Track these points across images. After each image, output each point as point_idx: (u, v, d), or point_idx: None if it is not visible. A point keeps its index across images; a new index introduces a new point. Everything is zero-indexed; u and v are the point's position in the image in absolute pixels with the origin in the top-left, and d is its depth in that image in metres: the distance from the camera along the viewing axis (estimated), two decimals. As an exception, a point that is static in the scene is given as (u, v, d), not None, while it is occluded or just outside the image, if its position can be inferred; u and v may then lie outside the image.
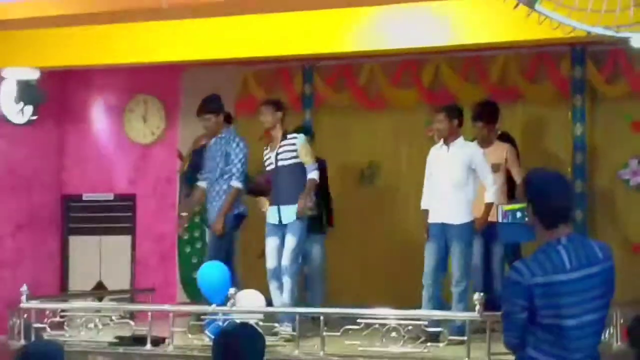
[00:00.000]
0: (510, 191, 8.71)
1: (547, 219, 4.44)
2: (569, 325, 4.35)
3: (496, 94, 10.11)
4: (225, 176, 8.78)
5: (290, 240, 8.29)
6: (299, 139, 8.49)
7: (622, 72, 9.73)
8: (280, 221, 8.39)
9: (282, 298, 8.26)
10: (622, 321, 7.32)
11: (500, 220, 8.35)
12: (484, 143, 8.70)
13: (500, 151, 8.79)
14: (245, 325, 4.44)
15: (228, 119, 9.35)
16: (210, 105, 9.09)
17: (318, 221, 9.25)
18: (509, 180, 8.73)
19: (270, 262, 8.38)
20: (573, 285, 4.35)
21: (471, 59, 10.20)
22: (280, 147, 8.50)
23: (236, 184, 8.70)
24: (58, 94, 11.67)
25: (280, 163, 8.46)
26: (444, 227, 8.06)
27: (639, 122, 9.74)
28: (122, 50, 9.70)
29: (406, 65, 10.48)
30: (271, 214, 8.50)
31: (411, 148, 10.08)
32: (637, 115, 9.75)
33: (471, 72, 10.30)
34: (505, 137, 9.12)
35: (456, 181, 8.07)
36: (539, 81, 10.06)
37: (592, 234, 9.54)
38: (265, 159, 8.66)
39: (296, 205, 8.28)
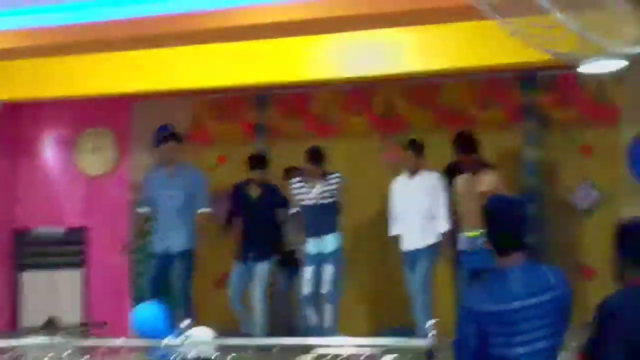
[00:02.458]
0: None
1: (499, 244, 4.45)
2: (519, 354, 4.34)
3: (448, 120, 10.18)
4: (187, 207, 9.35)
5: (330, 269, 9.05)
6: (340, 180, 9.21)
7: (571, 96, 9.81)
8: (320, 251, 9.11)
9: (315, 321, 9.06)
10: (574, 345, 7.33)
11: (462, 247, 8.49)
12: (470, 171, 8.86)
13: (490, 179, 8.81)
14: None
15: None
16: (177, 135, 9.71)
17: (288, 255, 9.89)
18: None
19: (306, 289, 9.12)
20: (524, 312, 4.34)
21: (422, 86, 10.25)
22: (324, 185, 9.19)
23: (206, 210, 9.44)
24: (9, 127, 11.55)
25: (322, 201, 9.16)
26: (414, 252, 8.87)
27: (589, 146, 9.82)
28: (71, 83, 9.65)
29: (358, 93, 10.52)
30: (312, 245, 9.17)
31: (366, 174, 10.08)
32: (586, 140, 9.83)
33: (423, 98, 10.34)
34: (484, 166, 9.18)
35: (423, 209, 8.85)
36: (490, 107, 10.12)
37: (545, 258, 9.59)
38: (299, 191, 9.28)
39: (334, 236, 9.10)
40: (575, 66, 7.84)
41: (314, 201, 9.23)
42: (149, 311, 8.16)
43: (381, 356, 7.27)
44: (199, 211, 9.41)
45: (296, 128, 10.82)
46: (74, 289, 11.30)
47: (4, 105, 10.18)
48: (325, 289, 9.06)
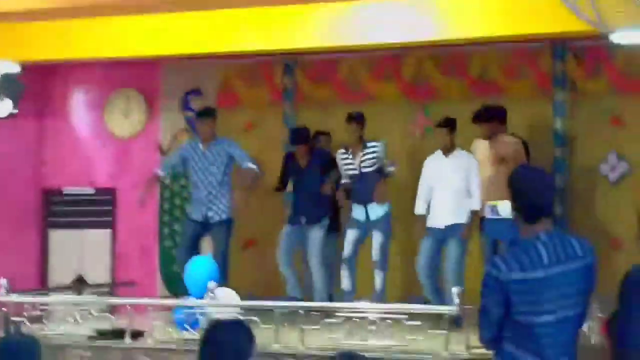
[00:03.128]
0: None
1: (526, 214, 4.46)
2: (544, 322, 4.36)
3: (477, 89, 10.16)
4: (226, 179, 9.56)
5: (378, 236, 9.14)
6: (380, 147, 9.26)
7: (602, 67, 9.76)
8: (367, 218, 9.20)
9: (348, 284, 9.19)
10: (600, 315, 7.35)
11: (487, 216, 8.50)
12: (491, 137, 8.92)
13: (506, 144, 8.87)
14: (238, 322, 4.40)
15: None
16: (212, 111, 9.81)
17: (333, 221, 9.89)
18: None
19: (347, 252, 9.25)
20: (550, 281, 4.36)
21: (452, 54, 10.22)
22: (364, 154, 9.26)
23: (254, 165, 9.49)
24: (38, 88, 11.63)
25: (364, 169, 9.24)
26: (443, 230, 8.84)
27: (619, 117, 9.78)
28: (102, 44, 9.68)
29: (387, 60, 10.49)
30: (358, 212, 9.27)
31: (393, 142, 10.07)
32: (616, 111, 9.79)
33: (452, 67, 10.32)
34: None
35: (457, 188, 8.85)
36: (520, 76, 10.09)
37: (572, 228, 9.58)
38: (344, 162, 9.40)
39: (381, 205, 9.18)
40: (606, 36, 7.82)
41: (357, 170, 9.31)
42: (205, 263, 8.25)
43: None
44: (248, 165, 9.45)
45: (324, 94, 10.82)
46: (102, 249, 11.41)
47: (29, 67, 10.23)
48: (374, 256, 9.15)
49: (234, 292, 8.26)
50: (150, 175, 9.77)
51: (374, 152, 9.28)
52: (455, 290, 7.16)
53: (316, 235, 9.61)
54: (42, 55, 9.99)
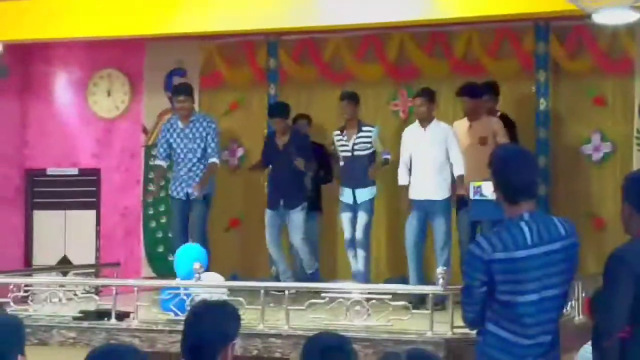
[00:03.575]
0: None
1: (509, 194, 4.48)
2: (527, 301, 4.39)
3: (460, 69, 10.17)
4: (205, 156, 9.54)
5: (362, 217, 9.26)
6: (375, 132, 9.29)
7: (585, 47, 9.78)
8: (355, 201, 9.31)
9: (357, 265, 9.27)
10: (583, 295, 7.41)
11: (471, 196, 8.53)
12: (471, 117, 9.01)
13: (488, 124, 8.96)
14: (223, 303, 4.43)
15: None
16: (187, 88, 9.77)
17: (315, 200, 9.97)
18: None
19: (347, 234, 9.40)
20: (533, 261, 4.39)
21: (435, 34, 10.22)
22: (358, 137, 9.32)
23: (215, 160, 9.59)
24: (21, 68, 11.59)
25: (356, 153, 9.32)
26: (426, 203, 8.79)
27: (602, 97, 9.81)
28: (85, 24, 9.64)
29: (371, 40, 10.48)
30: (346, 195, 9.38)
31: (376, 122, 10.08)
32: (599, 91, 9.82)
33: (436, 47, 10.32)
34: (503, 118, 9.26)
35: (436, 160, 8.79)
36: (503, 56, 10.10)
37: (555, 208, 9.63)
38: (338, 143, 9.44)
39: (371, 187, 9.30)
40: (589, 16, 7.83)
41: (350, 152, 9.37)
42: (195, 251, 8.27)
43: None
44: (210, 161, 9.55)
45: (308, 75, 10.81)
46: (87, 230, 11.40)
47: (12, 47, 10.17)
48: (357, 235, 9.28)
49: (220, 277, 8.28)
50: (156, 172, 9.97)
51: (368, 136, 9.30)
52: (440, 270, 7.19)
53: (297, 218, 9.62)
54: (25, 35, 9.95)
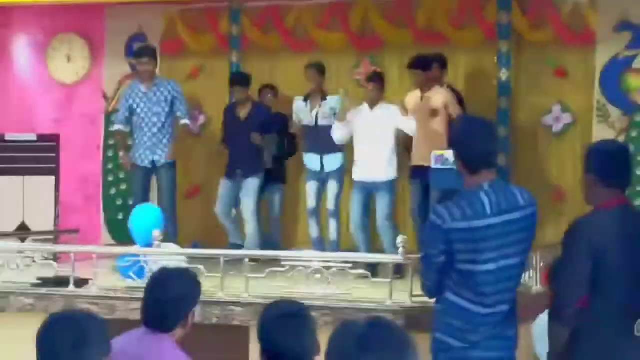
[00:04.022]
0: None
1: (469, 164, 4.50)
2: (486, 270, 4.42)
3: (423, 39, 10.15)
4: (169, 120, 9.61)
5: (334, 186, 9.38)
6: (338, 100, 9.21)
7: (547, 18, 9.81)
8: (322, 168, 9.40)
9: (317, 233, 9.48)
10: (541, 264, 7.47)
11: (433, 165, 8.57)
12: (423, 89, 9.13)
13: (438, 96, 9.06)
14: (185, 270, 4.43)
15: None
16: (150, 50, 9.79)
17: (279, 171, 9.98)
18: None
19: (311, 203, 9.47)
20: (492, 230, 4.42)
21: (399, 4, 10.20)
22: (321, 106, 9.41)
23: (186, 121, 9.69)
24: (-21, 32, 11.43)
25: (320, 122, 9.38)
26: (370, 184, 8.91)
27: (563, 68, 9.85)
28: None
29: (335, 9, 10.45)
30: (313, 162, 9.47)
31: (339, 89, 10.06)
32: (561, 62, 9.86)
33: (399, 16, 10.29)
34: (451, 91, 9.32)
35: (382, 141, 8.87)
36: (466, 26, 10.10)
37: (515, 178, 9.66)
38: (300, 111, 9.56)
39: (337, 155, 9.33)
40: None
41: (313, 122, 9.45)
42: (151, 212, 8.25)
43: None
44: (181, 122, 9.60)
45: (271, 42, 10.75)
46: (45, 196, 11.29)
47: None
48: (329, 205, 9.37)
49: (178, 247, 8.27)
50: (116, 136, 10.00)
51: (334, 104, 9.32)
52: (400, 239, 7.21)
53: (251, 184, 9.65)
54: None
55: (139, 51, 9.85)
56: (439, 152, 8.51)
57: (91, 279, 7.69)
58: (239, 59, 10.81)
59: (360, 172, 8.98)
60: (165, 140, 9.59)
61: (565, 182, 9.66)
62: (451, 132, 4.62)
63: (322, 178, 9.46)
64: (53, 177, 11.30)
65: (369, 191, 8.96)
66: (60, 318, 3.21)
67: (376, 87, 8.99)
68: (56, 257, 8.73)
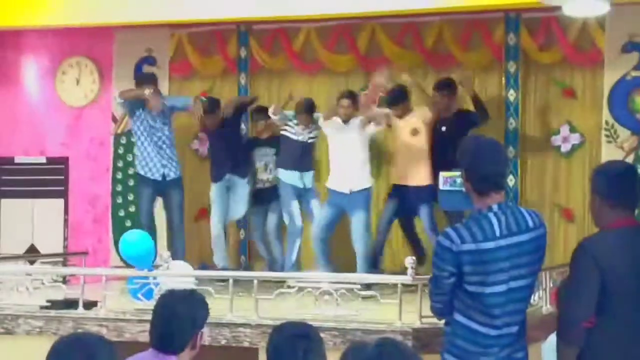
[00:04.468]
0: (441, 155, 8.86)
1: (478, 185, 4.48)
2: (495, 292, 4.41)
3: (431, 60, 10.18)
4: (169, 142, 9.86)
5: (317, 203, 9.64)
6: (320, 120, 9.51)
7: (555, 39, 9.82)
8: (304, 186, 9.65)
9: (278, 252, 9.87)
10: (551, 285, 7.45)
11: (440, 187, 8.57)
12: (403, 115, 9.43)
13: (416, 117, 9.39)
14: (191, 292, 4.43)
15: None
16: (150, 79, 10.13)
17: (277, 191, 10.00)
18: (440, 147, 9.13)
19: (299, 222, 9.63)
20: (502, 252, 4.40)
21: (407, 25, 10.21)
22: (311, 129, 9.69)
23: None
24: (-10, 55, 11.50)
25: (310, 140, 9.69)
26: (345, 195, 9.13)
27: (571, 89, 9.86)
28: (54, 12, 9.57)
29: (342, 30, 10.47)
30: (294, 179, 9.65)
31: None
32: (569, 82, 9.86)
33: (406, 38, 10.31)
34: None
35: (357, 152, 9.15)
36: (474, 47, 10.11)
37: (524, 199, 9.68)
38: (288, 125, 9.70)
39: (312, 172, 9.70)
40: (560, 8, 7.87)
41: (300, 139, 9.67)
42: (141, 239, 8.24)
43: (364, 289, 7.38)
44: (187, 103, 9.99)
45: (279, 64, 10.78)
46: (55, 218, 11.33)
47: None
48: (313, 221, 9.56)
49: (189, 266, 8.27)
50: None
51: (318, 126, 9.60)
52: (409, 259, 7.21)
53: (242, 189, 9.98)
54: (-8, 22, 9.87)
55: (137, 82, 10.09)
56: (447, 174, 8.48)
57: (100, 301, 7.69)
58: (247, 81, 10.84)
59: (335, 183, 9.22)
60: (173, 158, 9.84)
61: (574, 202, 9.65)
62: (460, 153, 4.60)
63: (299, 195, 9.68)
64: (62, 200, 11.36)
65: (341, 204, 9.18)
66: (70, 340, 3.21)
67: (351, 104, 9.22)
68: (65, 279, 8.74)
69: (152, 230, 9.36)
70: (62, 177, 11.40)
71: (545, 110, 9.95)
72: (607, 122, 9.57)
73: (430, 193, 8.88)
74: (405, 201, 9.39)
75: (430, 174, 9.06)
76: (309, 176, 9.70)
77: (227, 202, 10.02)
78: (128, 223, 11.03)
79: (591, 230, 4.61)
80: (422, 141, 9.34)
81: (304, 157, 9.69)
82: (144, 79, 10.08)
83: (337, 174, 9.27)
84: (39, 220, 11.39)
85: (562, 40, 9.72)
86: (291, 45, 10.65)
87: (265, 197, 10.09)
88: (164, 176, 9.78)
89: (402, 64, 10.10)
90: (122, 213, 11.17)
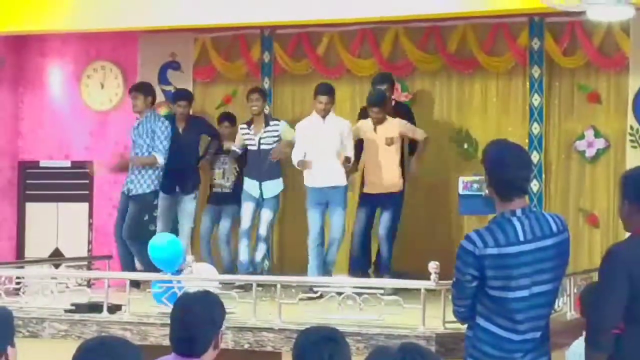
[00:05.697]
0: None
1: (502, 190, 4.47)
2: (518, 297, 4.39)
3: (454, 64, 10.18)
4: (151, 151, 9.78)
5: (268, 214, 9.59)
6: (282, 126, 9.60)
7: (579, 43, 9.78)
8: (261, 195, 9.58)
9: (247, 255, 9.53)
10: (575, 290, 7.42)
11: (460, 191, 8.55)
12: (378, 123, 9.40)
13: (392, 126, 9.39)
14: (206, 292, 4.43)
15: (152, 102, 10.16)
16: (141, 85, 10.13)
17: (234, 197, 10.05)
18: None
19: (245, 223, 9.60)
20: (525, 257, 4.39)
21: (430, 29, 10.20)
22: (265, 131, 9.62)
23: (158, 155, 9.74)
24: (14, 59, 11.55)
25: (262, 147, 9.59)
26: (325, 190, 9.16)
27: (595, 93, 9.82)
28: (78, 16, 9.62)
29: (365, 35, 10.47)
30: (252, 187, 9.64)
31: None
32: (593, 87, 9.83)
33: (430, 42, 10.31)
34: (400, 106, 9.84)
35: (334, 150, 9.16)
36: (498, 52, 10.09)
37: (548, 204, 9.64)
38: (245, 137, 9.74)
39: (277, 181, 9.63)
40: (584, 13, 7.83)
41: (256, 146, 9.67)
42: (169, 243, 8.28)
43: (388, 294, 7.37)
44: (152, 154, 9.81)
45: (303, 69, 10.79)
46: (79, 222, 11.38)
47: (5, 38, 10.16)
48: (261, 230, 9.60)
49: (213, 268, 8.29)
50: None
51: (275, 130, 9.61)
52: (432, 264, 7.19)
53: (189, 205, 10.04)
54: (19, 27, 9.92)
55: (129, 90, 10.25)
56: (467, 178, 8.48)
57: (124, 305, 7.72)
58: (270, 85, 10.86)
59: (315, 179, 9.21)
60: (144, 170, 9.86)
61: (598, 207, 9.59)
62: (484, 157, 4.59)
63: (259, 202, 9.64)
64: (87, 204, 11.41)
65: (324, 200, 9.17)
66: (94, 344, 3.22)
67: (330, 101, 9.25)
68: (90, 283, 8.78)
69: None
70: (87, 181, 11.45)
71: (570, 115, 9.92)
72: (631, 127, 9.52)
73: (399, 199, 9.31)
74: (374, 209, 9.47)
75: (402, 182, 9.35)
76: (268, 186, 9.63)
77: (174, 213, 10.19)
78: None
79: (616, 235, 4.61)
80: (396, 151, 9.41)
81: (263, 165, 9.58)
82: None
83: (314, 170, 9.22)
84: (63, 224, 11.44)
85: (587, 45, 9.68)
86: (314, 49, 10.66)
87: (220, 200, 10.15)
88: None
89: (426, 67, 10.10)
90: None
